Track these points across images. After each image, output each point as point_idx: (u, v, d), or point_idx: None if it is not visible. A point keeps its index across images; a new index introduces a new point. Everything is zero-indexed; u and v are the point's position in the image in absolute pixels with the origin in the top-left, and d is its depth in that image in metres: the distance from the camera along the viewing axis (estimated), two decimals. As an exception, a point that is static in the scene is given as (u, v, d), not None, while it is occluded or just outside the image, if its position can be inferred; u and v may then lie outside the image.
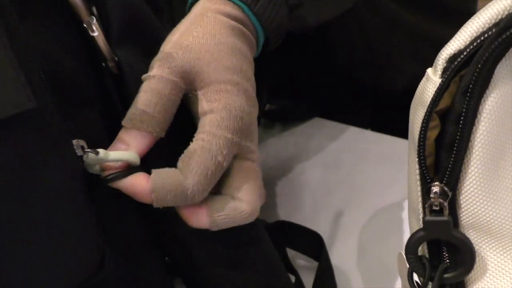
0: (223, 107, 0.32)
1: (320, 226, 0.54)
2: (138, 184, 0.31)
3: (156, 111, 0.32)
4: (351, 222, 0.56)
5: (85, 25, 0.30)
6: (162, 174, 0.31)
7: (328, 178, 0.63)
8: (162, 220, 0.36)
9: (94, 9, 0.32)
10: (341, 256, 0.52)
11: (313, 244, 0.52)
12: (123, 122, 0.32)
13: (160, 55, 0.33)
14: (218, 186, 0.34)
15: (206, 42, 0.33)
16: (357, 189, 0.60)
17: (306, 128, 0.74)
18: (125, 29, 0.33)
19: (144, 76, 0.32)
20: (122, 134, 0.32)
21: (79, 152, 0.28)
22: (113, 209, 0.33)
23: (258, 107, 0.36)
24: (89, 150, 0.28)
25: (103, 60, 0.32)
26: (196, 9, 0.36)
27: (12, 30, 0.23)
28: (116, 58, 0.32)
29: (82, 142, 0.28)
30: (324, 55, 0.72)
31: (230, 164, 0.33)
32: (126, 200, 0.32)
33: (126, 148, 0.31)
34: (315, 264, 0.50)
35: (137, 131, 0.31)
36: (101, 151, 0.29)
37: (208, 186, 0.32)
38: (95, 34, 0.31)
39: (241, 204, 0.33)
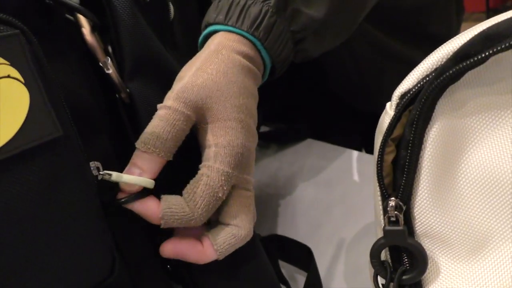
0: (227, 143, 0.36)
1: (313, 241, 0.56)
2: (149, 209, 0.35)
3: (169, 138, 0.35)
4: (342, 238, 0.58)
5: (101, 64, 0.35)
6: (170, 203, 0.36)
7: (320, 196, 0.65)
8: (164, 230, 0.39)
9: (110, 48, 0.37)
10: (332, 270, 0.55)
11: (303, 257, 0.54)
12: (137, 144, 0.35)
13: (177, 87, 0.36)
14: (216, 212, 0.38)
15: (219, 80, 0.37)
16: (348, 207, 0.62)
17: (300, 149, 0.76)
18: (137, 64, 0.37)
19: (160, 105, 0.36)
20: (135, 159, 0.35)
21: (95, 172, 0.32)
22: (121, 221, 0.37)
23: (257, 140, 0.40)
24: (103, 172, 0.32)
25: (116, 92, 0.36)
26: (212, 45, 0.39)
27: (43, 69, 0.28)
28: (128, 90, 0.36)
29: (98, 164, 0.32)
30: (318, 80, 0.76)
31: (228, 193, 0.38)
32: (133, 214, 0.36)
33: (140, 173, 0.35)
34: (305, 275, 0.53)
35: (149, 155, 0.35)
36: (114, 173, 0.33)
37: (209, 215, 0.37)
38: (110, 71, 0.35)
39: (238, 230, 0.38)
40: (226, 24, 0.40)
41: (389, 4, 0.70)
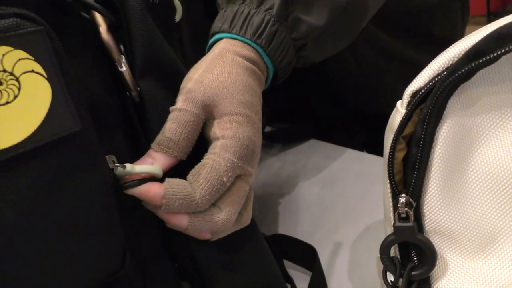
0: (233, 135, 0.37)
1: (315, 240, 0.57)
2: (151, 190, 0.35)
3: (181, 139, 0.37)
4: (344, 237, 0.59)
5: (115, 63, 0.36)
6: (173, 184, 0.36)
7: (323, 195, 0.66)
8: (173, 230, 0.40)
9: (122, 47, 0.38)
10: (335, 268, 0.55)
11: (308, 256, 0.55)
12: (152, 146, 0.37)
13: (185, 90, 0.38)
14: None
15: (224, 80, 0.38)
16: (351, 206, 0.63)
17: (304, 149, 0.77)
18: (147, 64, 0.38)
19: (171, 108, 0.38)
20: (151, 152, 0.37)
21: (111, 165, 0.33)
22: (133, 219, 0.38)
23: (261, 138, 0.41)
24: (118, 164, 0.33)
25: (128, 90, 0.37)
26: (216, 49, 0.41)
27: (63, 67, 0.28)
28: (138, 88, 0.37)
29: (113, 157, 0.33)
30: (322, 82, 0.76)
31: None
32: (145, 211, 0.37)
33: (152, 163, 0.36)
34: (309, 274, 0.53)
35: (163, 154, 0.37)
36: (128, 165, 0.34)
37: (211, 199, 0.37)
38: (123, 69, 0.36)
39: (217, 211, 0.38)
40: (231, 32, 0.42)
41: (393, 5, 0.71)
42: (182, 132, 0.37)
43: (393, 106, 0.32)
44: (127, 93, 0.38)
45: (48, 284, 0.29)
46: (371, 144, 0.80)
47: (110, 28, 0.36)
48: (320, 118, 0.82)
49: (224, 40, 0.42)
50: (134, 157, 0.37)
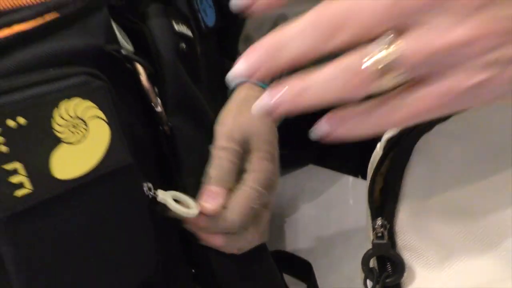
0: (262, 169, 0.46)
1: (311, 256, 0.63)
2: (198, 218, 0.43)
3: (227, 172, 0.45)
4: (339, 254, 0.64)
5: (152, 104, 0.43)
6: None
7: (320, 216, 0.71)
8: (192, 239, 0.47)
9: (156, 88, 0.45)
10: (328, 281, 0.61)
11: (304, 270, 0.62)
12: (206, 182, 0.45)
13: (224, 130, 0.46)
14: None
15: (254, 123, 0.47)
16: (346, 226, 0.68)
17: (302, 174, 0.80)
18: (177, 104, 0.44)
19: (217, 147, 0.46)
20: (207, 187, 0.45)
21: (146, 191, 0.39)
22: (157, 230, 0.42)
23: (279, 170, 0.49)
24: (152, 192, 0.39)
25: (161, 125, 0.44)
26: (242, 94, 0.50)
27: (117, 110, 0.35)
28: (169, 123, 0.44)
29: (149, 184, 0.39)
30: (319, 111, 0.84)
31: None
32: (168, 223, 0.44)
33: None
34: (305, 286, 0.60)
35: (217, 187, 0.44)
36: (159, 191, 0.40)
37: (243, 223, 0.45)
38: (159, 110, 0.43)
39: (246, 232, 0.46)
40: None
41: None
42: (229, 166, 0.45)
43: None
44: (160, 127, 0.44)
45: (96, 286, 0.36)
46: (365, 169, 0.86)
47: (149, 76, 0.43)
48: (318, 144, 0.89)
49: (246, 85, 0.51)
50: (163, 182, 0.43)
